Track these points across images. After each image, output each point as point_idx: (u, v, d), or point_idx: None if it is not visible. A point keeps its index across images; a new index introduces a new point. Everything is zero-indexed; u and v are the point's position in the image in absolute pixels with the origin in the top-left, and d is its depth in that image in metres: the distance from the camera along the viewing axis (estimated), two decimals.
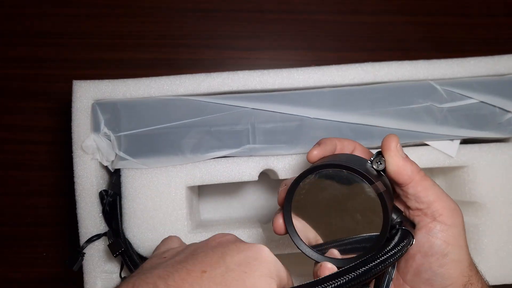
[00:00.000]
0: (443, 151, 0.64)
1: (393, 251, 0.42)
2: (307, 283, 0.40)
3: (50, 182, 0.77)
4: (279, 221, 0.46)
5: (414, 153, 0.65)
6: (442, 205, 0.43)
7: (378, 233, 0.44)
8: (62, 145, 0.75)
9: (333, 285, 0.39)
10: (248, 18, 0.81)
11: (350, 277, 0.40)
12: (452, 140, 0.64)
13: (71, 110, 0.62)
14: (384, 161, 0.45)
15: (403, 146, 0.64)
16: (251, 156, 0.62)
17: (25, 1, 0.78)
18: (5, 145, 0.77)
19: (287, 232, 0.46)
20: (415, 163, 0.45)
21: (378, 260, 0.41)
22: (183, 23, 0.80)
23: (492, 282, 0.65)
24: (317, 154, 0.46)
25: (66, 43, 0.78)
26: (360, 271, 0.40)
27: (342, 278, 0.39)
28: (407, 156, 0.45)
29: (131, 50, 0.79)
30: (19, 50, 0.78)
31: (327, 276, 0.40)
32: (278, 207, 0.48)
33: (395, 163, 0.44)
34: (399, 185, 0.45)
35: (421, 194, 0.44)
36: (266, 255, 0.40)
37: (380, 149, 0.46)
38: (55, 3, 0.79)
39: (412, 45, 0.83)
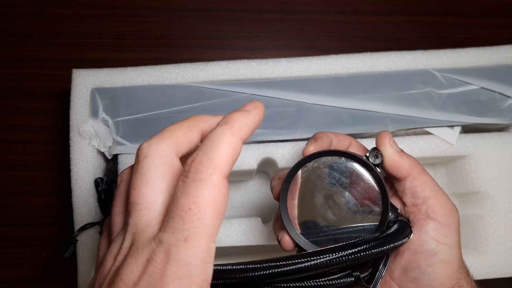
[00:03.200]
0: (443, 138, 0.63)
1: (388, 238, 0.41)
2: (287, 256, 0.39)
3: (50, 182, 0.76)
4: (286, 238, 0.44)
5: (415, 143, 0.64)
6: (437, 203, 0.42)
7: (375, 224, 0.43)
8: (62, 145, 0.75)
9: (317, 261, 0.38)
10: (248, 18, 0.82)
11: (330, 256, 0.38)
12: (452, 127, 0.64)
13: (70, 106, 0.63)
14: (381, 155, 0.44)
15: (403, 135, 0.64)
16: (250, 141, 0.62)
17: (25, 1, 0.79)
18: (5, 145, 0.76)
19: (296, 246, 0.44)
20: (412, 157, 0.44)
21: (371, 244, 0.40)
22: (183, 23, 0.81)
23: (499, 274, 0.63)
24: (313, 150, 0.45)
25: (66, 43, 0.79)
26: (344, 253, 0.39)
27: (325, 256, 0.38)
28: (402, 150, 0.45)
29: (131, 50, 0.79)
30: (19, 50, 0.78)
31: (314, 251, 0.39)
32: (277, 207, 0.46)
33: (392, 156, 0.43)
34: (397, 179, 0.44)
35: (418, 188, 0.43)
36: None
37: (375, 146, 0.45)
38: (55, 3, 0.79)
39: (412, 45, 0.82)
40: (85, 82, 0.62)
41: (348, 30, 0.83)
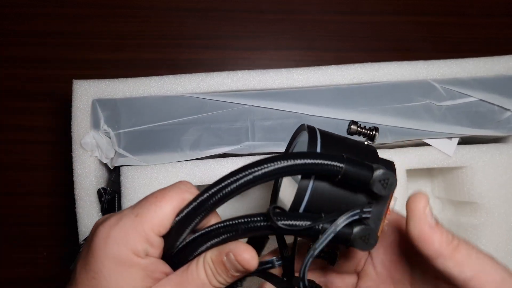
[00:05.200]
0: (441, 149, 0.64)
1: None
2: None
3: (50, 182, 0.77)
4: None
5: (413, 153, 0.65)
6: (485, 280, 0.34)
7: None
8: (62, 145, 0.75)
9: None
10: (248, 18, 0.81)
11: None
12: (450, 138, 0.64)
13: (71, 109, 0.62)
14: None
15: (401, 144, 0.65)
16: (250, 153, 0.62)
17: (24, 1, 0.78)
18: (4, 145, 0.77)
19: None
20: (446, 231, 0.35)
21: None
22: (182, 23, 0.80)
23: None
24: None
25: (66, 43, 0.78)
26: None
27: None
28: (437, 223, 0.36)
29: (131, 50, 0.79)
30: (19, 50, 0.78)
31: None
32: None
33: (419, 230, 0.35)
34: (423, 257, 0.36)
35: (454, 270, 0.34)
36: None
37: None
38: (55, 3, 0.79)
39: (412, 45, 0.83)
40: (86, 93, 0.62)
41: (348, 30, 0.83)
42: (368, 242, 0.36)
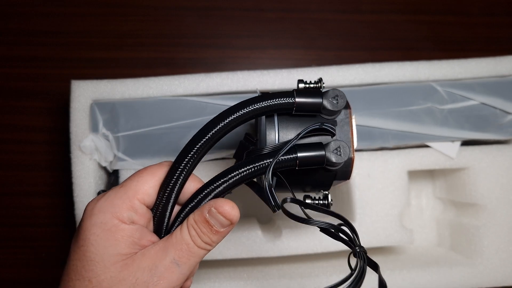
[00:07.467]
0: (443, 152, 0.64)
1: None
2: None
3: (49, 182, 0.76)
4: None
5: (415, 155, 0.64)
6: None
7: None
8: (61, 145, 0.75)
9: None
10: (248, 17, 0.81)
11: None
12: (452, 141, 0.64)
13: (70, 123, 0.62)
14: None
15: (403, 147, 0.65)
16: None
17: (24, 0, 0.78)
18: (4, 145, 0.76)
19: None
20: None
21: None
22: (182, 22, 0.80)
23: (492, 283, 0.64)
24: None
25: (64, 42, 0.78)
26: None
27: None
28: None
29: (130, 49, 0.78)
30: (17, 50, 0.77)
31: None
32: None
33: None
34: None
35: None
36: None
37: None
38: (55, 2, 0.78)
39: (413, 44, 0.83)
40: (84, 94, 0.62)
41: (349, 29, 0.82)
42: (341, 153, 0.40)
